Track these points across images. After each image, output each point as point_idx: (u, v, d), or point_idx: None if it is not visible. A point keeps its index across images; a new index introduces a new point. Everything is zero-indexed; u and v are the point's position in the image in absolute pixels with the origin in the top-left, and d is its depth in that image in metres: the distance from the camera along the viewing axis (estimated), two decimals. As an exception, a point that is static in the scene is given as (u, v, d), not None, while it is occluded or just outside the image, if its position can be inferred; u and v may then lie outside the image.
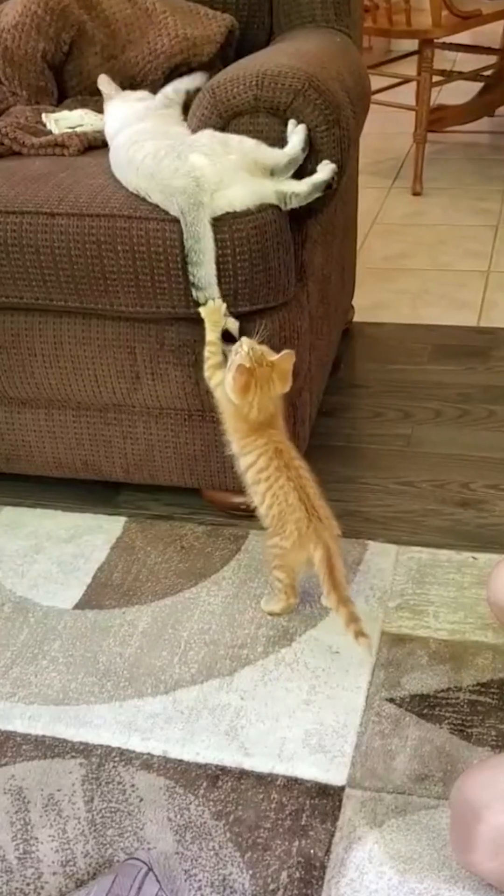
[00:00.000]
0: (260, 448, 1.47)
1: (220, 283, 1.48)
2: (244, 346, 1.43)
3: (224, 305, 1.48)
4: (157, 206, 1.49)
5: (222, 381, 1.47)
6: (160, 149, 1.49)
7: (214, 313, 1.47)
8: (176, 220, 1.46)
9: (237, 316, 1.52)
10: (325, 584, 1.40)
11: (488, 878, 1.10)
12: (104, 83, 1.79)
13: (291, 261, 1.55)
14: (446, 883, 1.15)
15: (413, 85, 3.36)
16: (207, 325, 1.48)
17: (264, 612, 1.55)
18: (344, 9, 1.95)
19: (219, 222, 1.46)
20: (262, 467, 1.46)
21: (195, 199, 1.43)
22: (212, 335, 1.48)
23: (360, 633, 1.37)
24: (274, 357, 1.44)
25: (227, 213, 1.46)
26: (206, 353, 1.50)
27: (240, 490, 1.73)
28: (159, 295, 1.51)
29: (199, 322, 1.51)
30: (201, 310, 1.47)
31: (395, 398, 2.13)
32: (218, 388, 1.49)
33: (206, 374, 1.51)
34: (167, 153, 1.48)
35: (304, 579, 1.60)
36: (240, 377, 1.40)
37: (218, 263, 1.46)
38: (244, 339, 1.45)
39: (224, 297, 1.49)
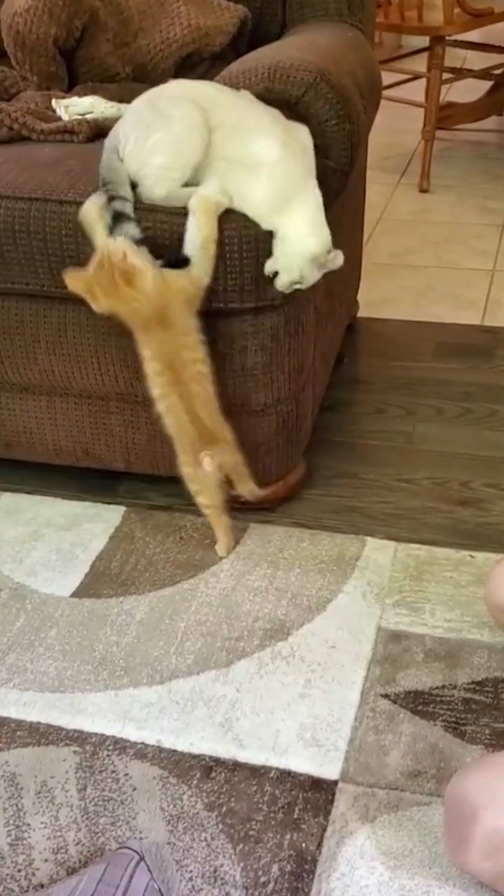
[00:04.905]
0: (150, 351, 1.48)
1: (227, 280, 1.47)
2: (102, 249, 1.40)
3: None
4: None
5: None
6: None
7: (209, 203, 1.40)
8: (183, 213, 1.45)
9: (241, 312, 1.52)
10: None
11: (481, 878, 1.11)
12: None
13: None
14: (437, 880, 1.15)
15: (423, 81, 3.35)
16: (201, 219, 1.41)
17: (222, 557, 1.63)
18: (357, 3, 1.95)
19: (227, 221, 1.45)
20: (156, 371, 1.48)
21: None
22: (208, 230, 1.42)
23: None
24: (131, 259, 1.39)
25: (234, 214, 1.45)
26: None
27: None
28: (165, 285, 1.51)
29: (203, 315, 1.50)
30: (192, 203, 1.41)
31: (397, 395, 2.13)
32: None
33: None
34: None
35: (296, 580, 1.60)
36: (71, 282, 1.41)
37: (225, 261, 1.46)
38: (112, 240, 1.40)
39: (230, 292, 1.48)
